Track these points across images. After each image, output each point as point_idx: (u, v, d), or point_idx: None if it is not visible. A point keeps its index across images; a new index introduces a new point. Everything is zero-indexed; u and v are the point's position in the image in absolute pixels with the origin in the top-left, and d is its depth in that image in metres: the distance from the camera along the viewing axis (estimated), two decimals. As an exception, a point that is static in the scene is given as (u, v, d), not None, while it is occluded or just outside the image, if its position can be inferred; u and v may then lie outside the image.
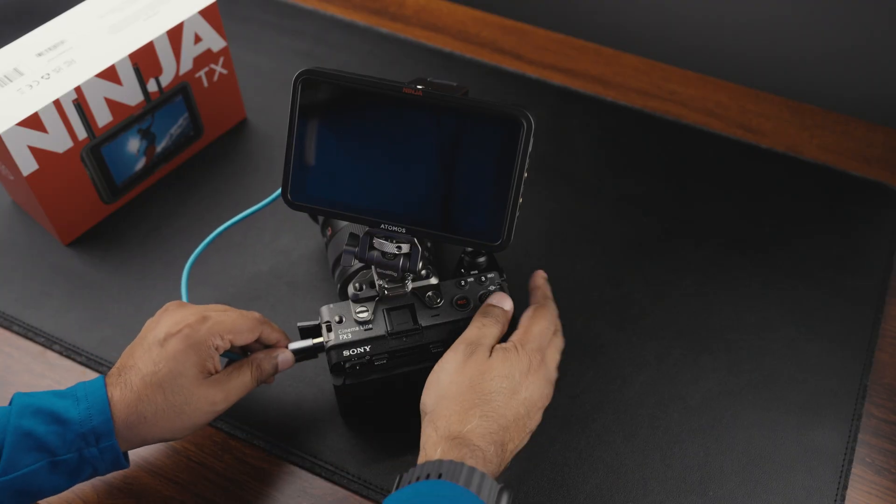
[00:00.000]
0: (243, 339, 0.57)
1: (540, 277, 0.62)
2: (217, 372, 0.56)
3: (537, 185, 0.80)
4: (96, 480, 0.61)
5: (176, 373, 0.53)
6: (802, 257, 0.75)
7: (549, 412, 0.65)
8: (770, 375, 0.68)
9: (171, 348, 0.53)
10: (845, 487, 0.62)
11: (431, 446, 0.50)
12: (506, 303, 0.58)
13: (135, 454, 0.62)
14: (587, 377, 0.67)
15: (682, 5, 0.94)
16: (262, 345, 0.60)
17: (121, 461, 0.53)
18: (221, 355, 0.57)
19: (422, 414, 0.54)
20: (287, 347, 0.60)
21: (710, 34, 0.95)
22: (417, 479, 0.47)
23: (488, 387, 0.52)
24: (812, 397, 0.66)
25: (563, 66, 0.92)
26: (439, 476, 0.47)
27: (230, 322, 0.56)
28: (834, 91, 0.93)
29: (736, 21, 0.92)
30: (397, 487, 0.48)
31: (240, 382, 0.56)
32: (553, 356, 0.57)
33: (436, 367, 0.55)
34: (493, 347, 0.55)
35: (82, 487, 0.60)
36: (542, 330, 0.57)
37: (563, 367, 0.67)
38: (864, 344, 0.70)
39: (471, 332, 0.55)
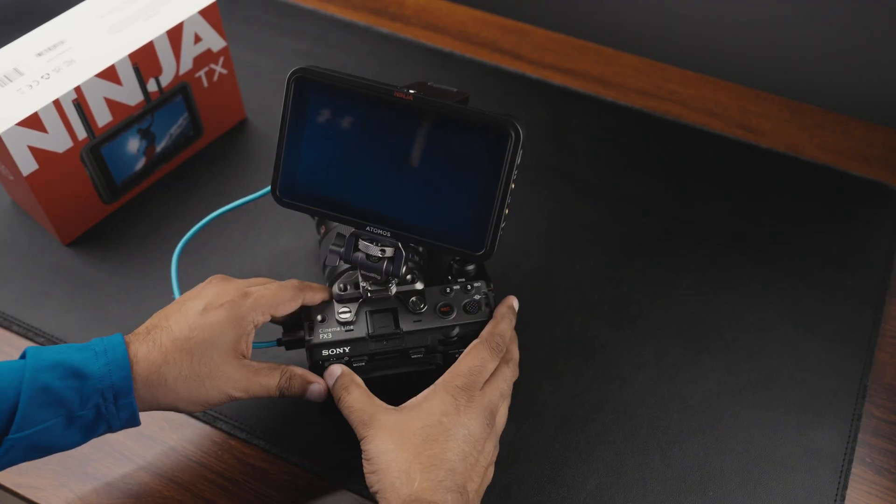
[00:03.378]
0: (285, 309, 0.56)
1: (504, 306, 0.59)
2: (247, 356, 0.55)
3: (537, 185, 0.80)
4: (96, 481, 0.61)
5: (209, 343, 0.53)
6: (802, 257, 0.75)
7: (549, 412, 0.65)
8: (769, 375, 0.68)
9: (211, 318, 0.53)
10: (845, 487, 0.62)
11: None
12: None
13: (135, 454, 0.62)
14: (586, 377, 0.67)
15: (682, 5, 0.94)
16: (307, 310, 0.58)
17: (136, 420, 0.52)
18: (255, 345, 0.57)
19: (372, 495, 0.52)
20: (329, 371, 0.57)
21: (710, 34, 0.95)
22: None
23: (414, 440, 0.51)
24: (812, 397, 0.66)
25: (563, 66, 0.92)
26: None
27: (271, 295, 0.56)
28: (834, 91, 0.93)
29: (736, 21, 0.92)
30: None
31: (264, 383, 0.55)
32: (495, 387, 0.55)
33: (363, 457, 0.52)
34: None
35: (82, 487, 0.60)
36: (472, 368, 0.54)
37: (562, 367, 0.67)
38: (864, 343, 0.70)
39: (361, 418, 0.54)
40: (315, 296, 0.58)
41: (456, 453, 0.51)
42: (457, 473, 0.50)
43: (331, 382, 0.56)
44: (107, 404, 0.50)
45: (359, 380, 0.56)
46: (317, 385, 0.57)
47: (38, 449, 0.50)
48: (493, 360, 0.56)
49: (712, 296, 0.73)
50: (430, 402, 0.53)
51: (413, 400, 0.54)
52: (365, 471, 0.52)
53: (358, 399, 0.54)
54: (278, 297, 0.56)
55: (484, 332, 0.57)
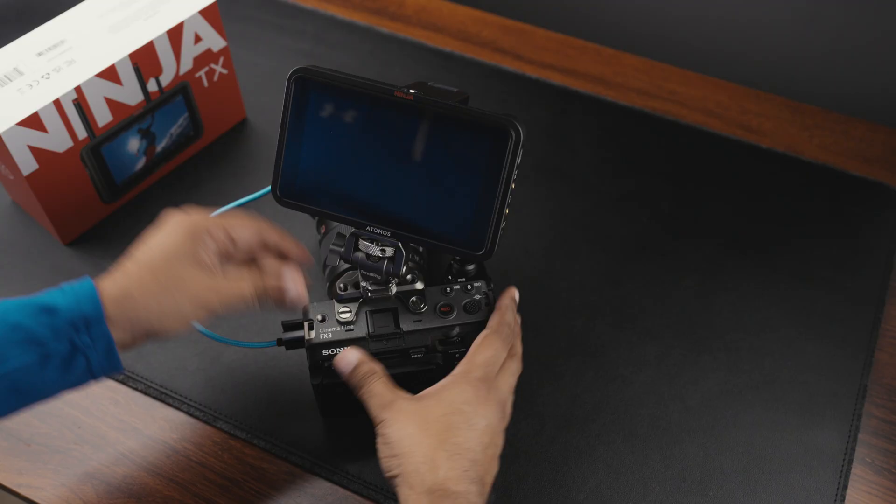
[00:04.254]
0: (242, 233, 0.56)
1: (507, 297, 0.58)
2: (210, 268, 0.55)
3: (537, 185, 0.80)
4: (96, 481, 0.61)
5: (168, 253, 0.53)
6: (802, 257, 0.75)
7: (550, 412, 0.65)
8: (770, 375, 0.68)
9: (168, 233, 0.54)
10: (845, 487, 0.62)
11: None
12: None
13: (135, 454, 0.62)
14: (587, 377, 0.67)
15: (682, 5, 0.94)
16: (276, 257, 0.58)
17: (115, 355, 0.51)
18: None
19: (389, 480, 0.51)
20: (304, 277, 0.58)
21: (710, 34, 0.95)
22: None
23: (437, 426, 0.51)
24: (812, 397, 0.66)
25: (563, 66, 0.92)
26: None
27: (228, 214, 0.57)
28: (834, 91, 0.93)
29: (736, 21, 0.93)
30: None
31: (236, 286, 0.55)
32: (505, 380, 0.55)
33: (379, 441, 0.52)
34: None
35: (82, 487, 0.60)
36: (488, 359, 0.54)
37: (563, 367, 0.68)
38: (864, 344, 0.70)
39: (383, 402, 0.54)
40: (284, 242, 0.58)
41: (478, 443, 0.51)
42: (478, 464, 0.50)
43: (345, 367, 0.55)
44: (80, 335, 0.50)
45: (380, 368, 0.55)
46: (293, 290, 0.56)
47: (19, 392, 0.49)
48: (505, 350, 0.56)
49: (713, 296, 0.73)
50: (450, 391, 0.53)
51: (431, 389, 0.54)
52: (382, 455, 0.51)
53: (380, 384, 0.54)
54: (236, 217, 0.57)
55: (492, 323, 0.57)
